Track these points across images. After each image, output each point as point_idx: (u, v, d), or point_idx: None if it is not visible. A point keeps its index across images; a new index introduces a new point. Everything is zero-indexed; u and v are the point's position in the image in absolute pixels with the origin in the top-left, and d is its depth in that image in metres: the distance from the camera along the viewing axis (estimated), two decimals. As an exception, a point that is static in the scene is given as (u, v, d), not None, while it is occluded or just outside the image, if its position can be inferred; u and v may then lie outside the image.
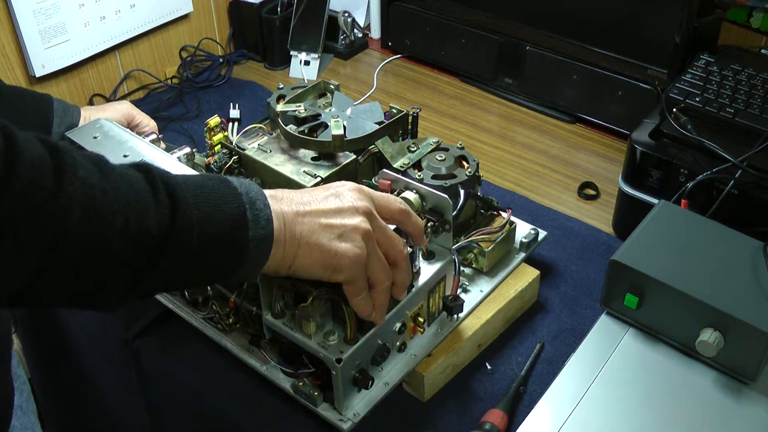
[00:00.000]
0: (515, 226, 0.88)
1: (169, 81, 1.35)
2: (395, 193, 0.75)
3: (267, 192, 0.62)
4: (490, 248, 0.84)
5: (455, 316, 0.79)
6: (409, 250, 0.70)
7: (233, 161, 0.87)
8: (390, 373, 0.75)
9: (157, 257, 0.54)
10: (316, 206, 0.63)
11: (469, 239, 0.84)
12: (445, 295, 0.78)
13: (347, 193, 0.65)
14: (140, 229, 0.52)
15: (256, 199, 0.59)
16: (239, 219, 0.58)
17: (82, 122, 0.93)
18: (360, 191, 0.66)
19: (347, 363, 0.68)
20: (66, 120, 0.92)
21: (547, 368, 0.81)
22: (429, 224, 0.73)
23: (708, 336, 0.72)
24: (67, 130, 0.89)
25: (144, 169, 0.56)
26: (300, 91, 0.94)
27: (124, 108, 0.99)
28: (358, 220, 0.63)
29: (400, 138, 0.92)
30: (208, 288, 0.81)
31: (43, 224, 0.48)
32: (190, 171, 0.81)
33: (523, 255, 0.88)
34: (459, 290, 0.81)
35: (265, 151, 0.86)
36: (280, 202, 0.62)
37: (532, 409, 0.72)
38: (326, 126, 0.88)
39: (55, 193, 0.48)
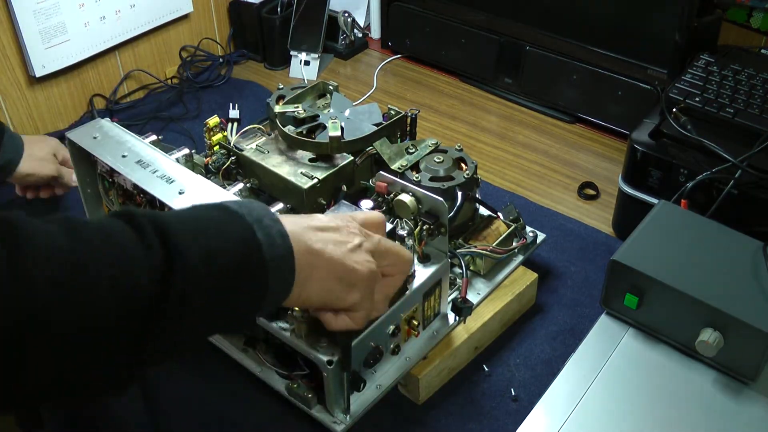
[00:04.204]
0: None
1: (169, 81, 1.35)
2: (391, 195, 0.75)
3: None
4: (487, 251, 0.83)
5: (456, 318, 0.79)
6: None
7: (231, 162, 0.87)
8: (383, 376, 0.74)
9: (160, 315, 0.45)
10: (323, 223, 0.59)
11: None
12: (455, 297, 0.78)
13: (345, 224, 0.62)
14: (132, 287, 0.44)
15: (263, 217, 0.53)
16: (250, 242, 0.50)
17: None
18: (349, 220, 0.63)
19: (339, 365, 0.68)
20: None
21: (546, 369, 0.81)
22: (425, 227, 0.73)
23: (708, 336, 0.72)
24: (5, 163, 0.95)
25: (126, 215, 0.48)
26: (299, 91, 0.94)
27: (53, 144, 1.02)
28: (365, 240, 0.61)
29: (399, 139, 0.91)
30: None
31: (4, 314, 0.40)
32: (188, 173, 0.81)
33: (521, 258, 0.88)
34: (456, 293, 0.81)
35: (263, 152, 0.86)
36: (285, 219, 0.56)
37: (531, 409, 0.72)
38: (325, 127, 0.88)
39: (11, 274, 0.41)
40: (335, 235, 0.59)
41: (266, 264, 0.51)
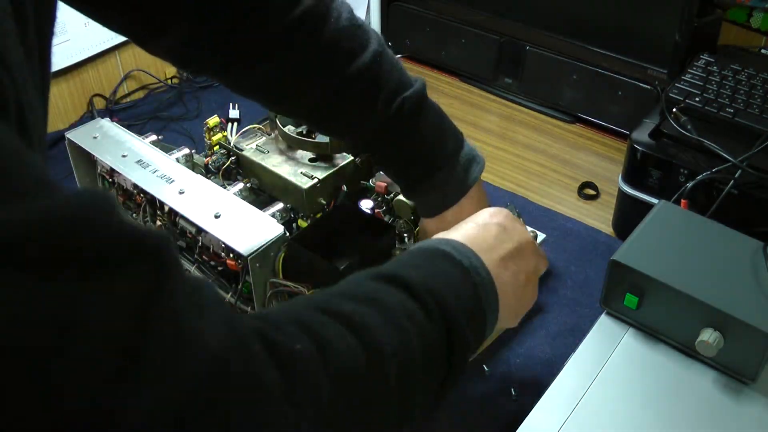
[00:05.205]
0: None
1: (169, 81, 1.35)
2: (391, 195, 0.75)
3: (466, 241, 0.59)
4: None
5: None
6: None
7: (231, 162, 0.87)
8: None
9: (450, 384, 0.53)
10: (502, 251, 0.62)
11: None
12: None
13: (512, 227, 0.65)
14: (429, 360, 0.50)
15: (478, 267, 0.58)
16: (476, 299, 0.57)
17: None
18: (514, 221, 0.66)
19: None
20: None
21: (547, 369, 0.81)
22: None
23: (708, 336, 0.71)
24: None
25: (398, 282, 0.51)
26: (299, 91, 0.94)
27: None
28: (534, 264, 0.66)
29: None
30: None
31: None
32: (188, 173, 0.81)
33: (522, 256, 0.88)
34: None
35: (263, 152, 0.86)
36: (482, 253, 0.59)
37: (531, 409, 0.72)
38: (325, 126, 0.88)
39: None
40: (515, 264, 0.63)
41: (486, 319, 0.58)
